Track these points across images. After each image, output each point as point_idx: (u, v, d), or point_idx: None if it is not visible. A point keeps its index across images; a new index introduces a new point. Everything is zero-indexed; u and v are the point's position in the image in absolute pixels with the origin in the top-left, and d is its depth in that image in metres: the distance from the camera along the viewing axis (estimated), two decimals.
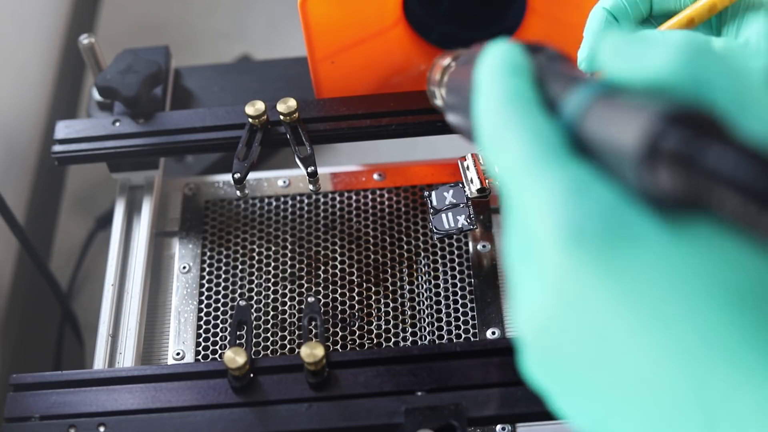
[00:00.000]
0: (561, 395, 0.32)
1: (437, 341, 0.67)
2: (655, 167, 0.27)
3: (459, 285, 0.70)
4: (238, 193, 0.69)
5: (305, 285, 0.71)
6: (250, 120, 0.69)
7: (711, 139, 0.25)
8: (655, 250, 0.28)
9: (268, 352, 0.68)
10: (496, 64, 0.35)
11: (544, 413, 0.57)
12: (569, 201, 0.29)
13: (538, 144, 0.31)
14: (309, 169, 0.68)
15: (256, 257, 0.72)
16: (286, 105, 0.68)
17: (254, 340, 0.68)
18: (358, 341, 0.68)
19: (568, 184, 0.30)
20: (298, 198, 0.75)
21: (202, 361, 0.67)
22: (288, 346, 0.68)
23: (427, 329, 0.68)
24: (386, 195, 0.75)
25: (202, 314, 0.70)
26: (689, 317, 0.28)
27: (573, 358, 0.30)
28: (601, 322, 0.29)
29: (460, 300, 0.69)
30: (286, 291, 0.71)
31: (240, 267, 0.72)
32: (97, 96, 0.76)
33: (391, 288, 0.70)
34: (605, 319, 0.29)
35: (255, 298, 0.70)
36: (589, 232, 0.29)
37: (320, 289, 0.70)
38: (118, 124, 0.72)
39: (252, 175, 0.75)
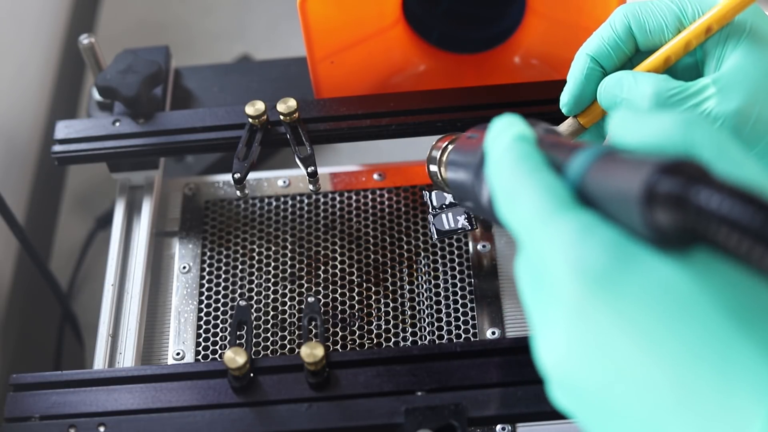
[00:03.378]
0: (585, 418, 0.35)
1: (437, 341, 0.67)
2: (653, 208, 0.32)
3: (459, 285, 0.70)
4: (238, 193, 0.69)
5: (305, 285, 0.71)
6: (250, 120, 0.69)
7: (700, 182, 0.31)
8: (654, 275, 0.32)
9: (268, 352, 0.68)
10: (505, 132, 0.40)
11: (544, 413, 0.57)
12: (579, 240, 0.34)
13: (548, 196, 0.36)
14: (309, 169, 0.68)
15: (256, 257, 0.72)
16: (286, 105, 0.68)
17: (254, 340, 0.68)
18: (358, 341, 0.68)
19: (576, 227, 0.34)
20: (298, 198, 0.75)
21: (202, 361, 0.67)
22: (288, 346, 0.68)
23: (427, 329, 0.68)
24: (386, 195, 0.75)
25: (202, 314, 0.70)
26: (679, 329, 0.31)
27: (592, 383, 0.34)
28: (610, 346, 0.33)
29: (460, 300, 0.69)
30: (286, 291, 0.71)
31: (240, 267, 0.72)
32: (97, 96, 0.76)
33: (391, 288, 0.70)
34: (612, 343, 0.32)
35: (255, 298, 0.70)
36: (595, 265, 0.33)
37: (320, 289, 0.70)
38: (118, 124, 0.72)
39: (252, 175, 0.75)
